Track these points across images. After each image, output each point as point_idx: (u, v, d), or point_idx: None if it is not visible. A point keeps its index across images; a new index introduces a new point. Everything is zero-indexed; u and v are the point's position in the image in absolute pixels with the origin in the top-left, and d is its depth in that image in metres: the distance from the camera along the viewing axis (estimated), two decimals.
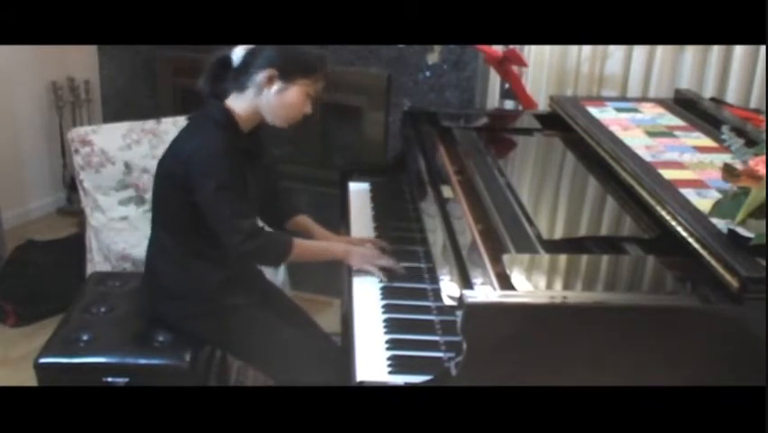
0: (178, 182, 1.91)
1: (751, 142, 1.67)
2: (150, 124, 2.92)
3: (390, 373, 1.57)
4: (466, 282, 1.51)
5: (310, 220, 2.24)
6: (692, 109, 2.29)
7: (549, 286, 1.44)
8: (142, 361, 1.99)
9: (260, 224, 2.04)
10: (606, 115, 2.23)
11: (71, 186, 3.84)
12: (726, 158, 1.73)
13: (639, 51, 2.82)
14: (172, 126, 2.85)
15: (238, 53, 1.93)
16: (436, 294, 1.77)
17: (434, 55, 3.02)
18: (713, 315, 1.35)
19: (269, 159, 2.21)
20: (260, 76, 1.89)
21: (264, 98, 1.92)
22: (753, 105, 2.70)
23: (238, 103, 1.94)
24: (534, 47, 2.89)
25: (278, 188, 2.30)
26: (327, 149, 3.34)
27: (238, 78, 1.93)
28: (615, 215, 1.77)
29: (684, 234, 1.49)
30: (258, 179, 2.03)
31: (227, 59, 1.94)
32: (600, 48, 2.85)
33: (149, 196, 2.48)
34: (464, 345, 1.34)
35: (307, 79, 1.93)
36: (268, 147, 2.14)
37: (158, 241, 2.07)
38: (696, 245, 1.45)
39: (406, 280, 1.93)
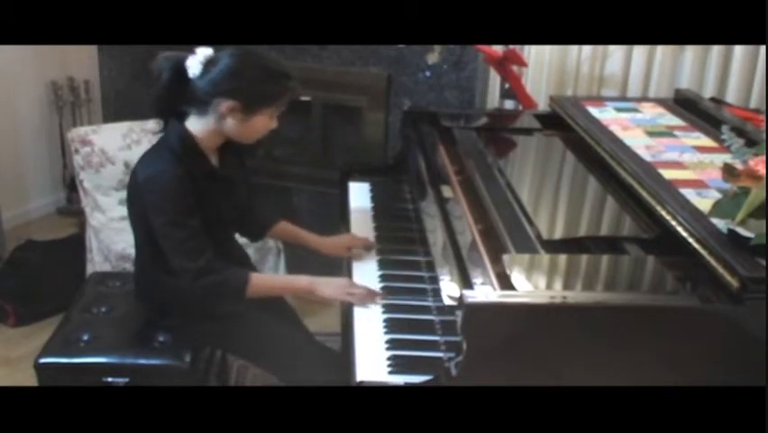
0: (138, 205, 1.88)
1: (751, 142, 1.67)
2: (150, 124, 2.91)
3: (390, 373, 1.57)
4: (466, 282, 1.51)
5: (293, 226, 2.20)
6: (692, 109, 2.29)
7: (549, 286, 1.44)
8: (142, 361, 1.99)
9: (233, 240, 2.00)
10: (606, 115, 2.23)
11: (71, 186, 3.84)
12: (726, 158, 1.72)
13: (639, 51, 2.82)
14: None
15: (195, 64, 1.80)
16: (436, 294, 1.77)
17: (434, 55, 3.02)
18: (713, 315, 1.35)
19: (243, 174, 2.07)
20: (222, 106, 1.80)
21: (226, 125, 1.83)
22: (753, 105, 2.70)
23: (199, 125, 1.85)
24: (534, 47, 2.89)
25: (254, 200, 2.17)
26: (327, 149, 3.34)
27: (196, 99, 1.82)
28: (615, 215, 1.77)
29: (684, 234, 1.49)
30: (231, 197, 1.97)
31: (182, 70, 1.80)
32: (600, 48, 2.85)
33: None
34: (464, 345, 1.34)
35: (271, 107, 1.85)
36: (240, 163, 2.03)
37: (138, 258, 2.06)
38: (696, 245, 1.45)
39: (406, 280, 1.93)
